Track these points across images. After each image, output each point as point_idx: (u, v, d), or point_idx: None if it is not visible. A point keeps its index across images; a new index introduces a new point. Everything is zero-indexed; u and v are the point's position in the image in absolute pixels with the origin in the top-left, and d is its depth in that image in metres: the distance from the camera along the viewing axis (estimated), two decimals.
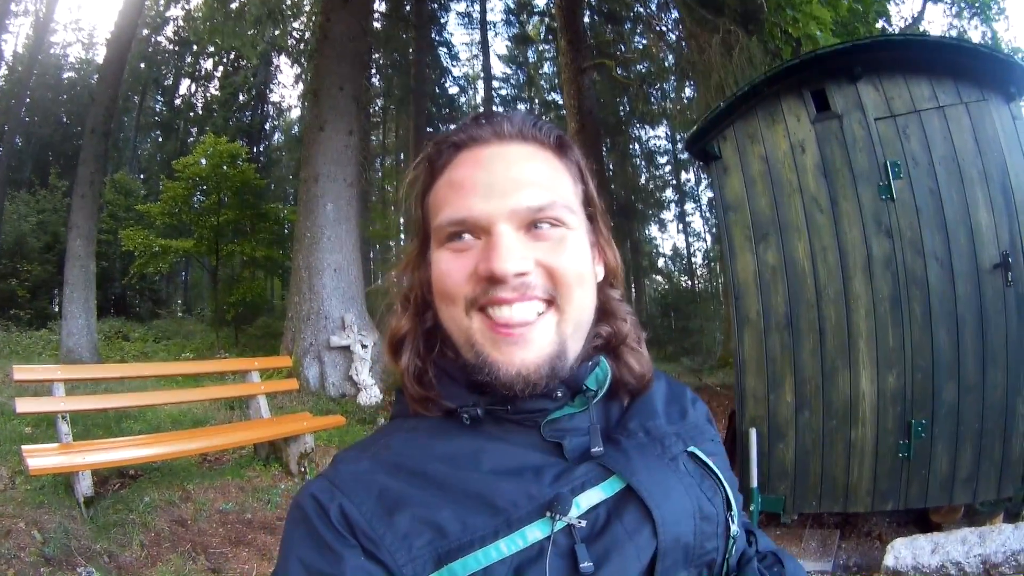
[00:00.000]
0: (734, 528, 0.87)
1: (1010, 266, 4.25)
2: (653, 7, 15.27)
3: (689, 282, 27.95)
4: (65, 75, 26.94)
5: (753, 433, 4.76)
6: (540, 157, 0.86)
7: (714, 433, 0.99)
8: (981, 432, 4.28)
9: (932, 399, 4.38)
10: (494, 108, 27.07)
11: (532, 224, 0.81)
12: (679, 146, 24.18)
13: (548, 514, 0.74)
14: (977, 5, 12.28)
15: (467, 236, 0.81)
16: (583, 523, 0.75)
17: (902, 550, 3.75)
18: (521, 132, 0.86)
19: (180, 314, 22.89)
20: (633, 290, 27.21)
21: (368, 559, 0.72)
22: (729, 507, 0.88)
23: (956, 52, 4.66)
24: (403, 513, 0.74)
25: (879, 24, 10.39)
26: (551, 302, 0.81)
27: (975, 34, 12.55)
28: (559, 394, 0.82)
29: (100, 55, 21.75)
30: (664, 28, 14.57)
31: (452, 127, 0.90)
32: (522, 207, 0.80)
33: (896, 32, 10.66)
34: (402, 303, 0.93)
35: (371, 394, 9.01)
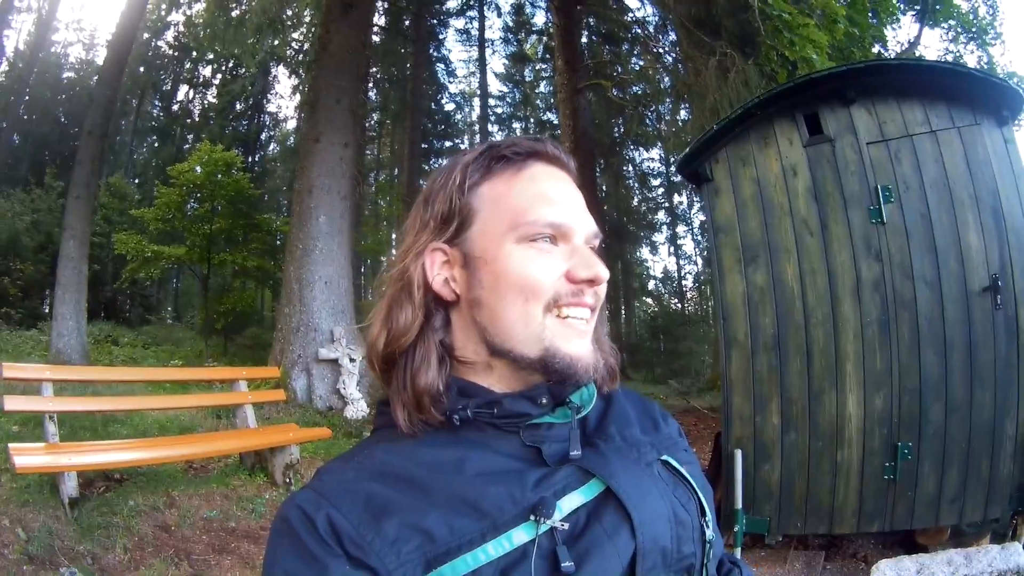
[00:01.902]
0: (709, 533, 0.90)
1: (999, 289, 4.26)
2: (651, 29, 15.37)
3: (679, 305, 28.01)
4: (65, 75, 26.82)
5: (738, 454, 4.76)
6: None
7: (686, 445, 1.04)
8: (968, 453, 4.29)
9: (919, 421, 4.38)
10: (489, 126, 27.23)
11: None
12: (672, 169, 24.22)
13: (533, 517, 0.76)
14: (974, 30, 12.40)
15: (547, 239, 0.86)
16: (566, 526, 0.77)
17: (887, 572, 3.73)
18: (569, 166, 0.95)
19: (170, 321, 22.80)
20: (623, 312, 27.22)
21: (356, 566, 0.73)
22: (703, 513, 0.91)
23: (950, 76, 4.69)
24: (391, 519, 0.76)
25: (875, 49, 10.47)
26: (592, 310, 0.89)
27: (971, 58, 12.64)
28: (543, 400, 0.85)
29: (100, 56, 21.72)
30: (661, 50, 14.66)
31: (514, 138, 0.96)
32: (593, 230, 0.91)
33: (892, 57, 10.73)
34: (403, 300, 0.90)
35: (358, 408, 9.00)
